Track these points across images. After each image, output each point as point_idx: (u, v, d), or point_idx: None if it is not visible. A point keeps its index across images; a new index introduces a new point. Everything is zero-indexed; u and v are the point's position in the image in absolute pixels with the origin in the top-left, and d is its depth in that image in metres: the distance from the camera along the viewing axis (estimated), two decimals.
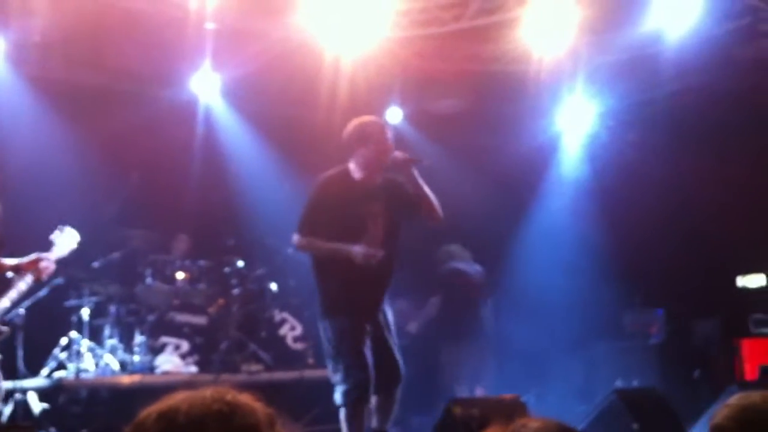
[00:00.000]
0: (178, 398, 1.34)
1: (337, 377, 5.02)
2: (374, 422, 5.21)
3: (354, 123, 5.38)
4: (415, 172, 5.27)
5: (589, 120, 9.67)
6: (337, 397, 5.01)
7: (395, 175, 5.35)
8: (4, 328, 4.78)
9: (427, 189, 5.29)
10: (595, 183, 9.50)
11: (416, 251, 9.79)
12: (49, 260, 4.91)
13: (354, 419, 4.98)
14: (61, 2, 7.14)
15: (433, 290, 8.46)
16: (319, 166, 9.24)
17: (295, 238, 5.27)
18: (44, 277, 4.94)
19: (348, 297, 5.09)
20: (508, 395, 6.71)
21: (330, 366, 5.12)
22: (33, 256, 4.88)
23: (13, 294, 4.83)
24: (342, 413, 5.01)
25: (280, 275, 8.89)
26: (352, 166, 5.33)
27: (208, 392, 1.36)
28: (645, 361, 8.72)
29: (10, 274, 4.88)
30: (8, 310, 4.86)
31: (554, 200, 9.66)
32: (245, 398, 1.37)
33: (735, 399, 1.97)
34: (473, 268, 8.49)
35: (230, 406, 1.32)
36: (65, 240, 5.14)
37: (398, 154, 5.26)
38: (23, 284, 4.84)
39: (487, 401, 6.08)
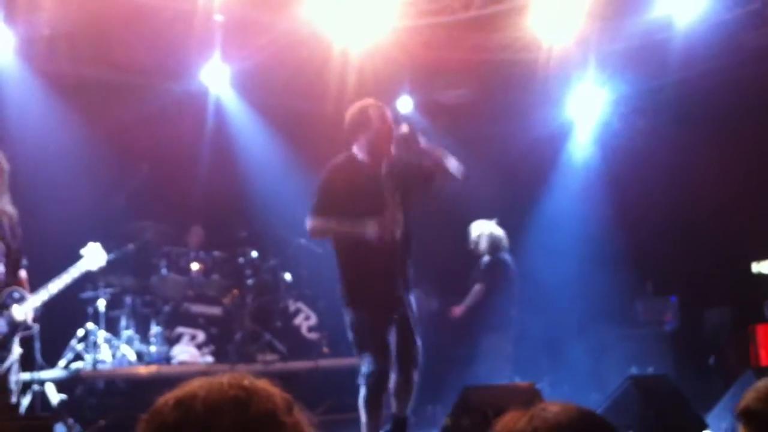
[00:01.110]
0: (195, 385, 1.34)
1: (362, 362, 5.06)
2: (393, 407, 5.26)
3: (353, 109, 5.35)
4: (423, 140, 5.22)
5: (600, 108, 9.64)
6: (361, 379, 5.06)
7: (402, 153, 5.30)
8: (35, 326, 4.97)
9: (441, 150, 5.20)
10: (607, 171, 9.47)
11: (428, 238, 9.84)
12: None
13: (373, 403, 5.03)
14: None
15: (476, 278, 8.31)
16: (329, 157, 9.34)
17: (308, 221, 5.18)
18: None
19: (371, 287, 5.05)
20: (523, 383, 6.75)
21: (355, 351, 5.16)
22: None
23: (44, 295, 5.22)
24: (362, 395, 5.05)
25: (293, 265, 8.92)
26: (357, 151, 5.29)
27: (225, 378, 1.35)
28: (658, 349, 8.72)
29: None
30: (39, 309, 5.20)
31: (565, 188, 9.64)
32: (262, 384, 1.36)
33: (762, 383, 1.98)
34: (511, 259, 8.40)
35: (247, 392, 1.31)
36: (93, 255, 5.51)
37: (403, 127, 5.22)
38: (54, 286, 5.30)
39: (502, 389, 6.09)
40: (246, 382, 1.34)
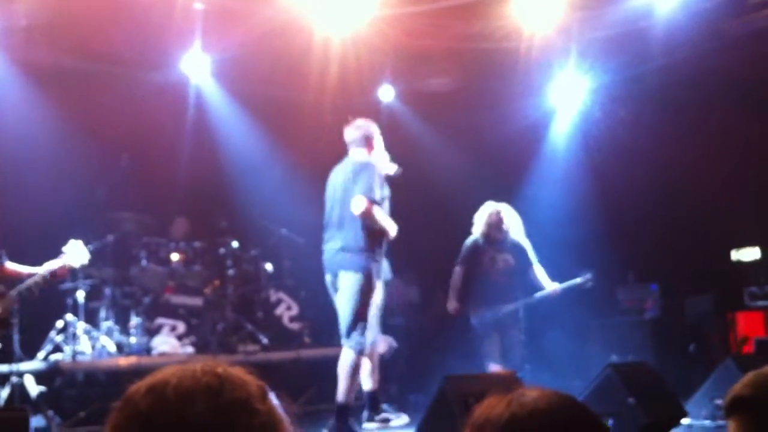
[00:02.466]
0: (167, 372, 1.32)
1: (355, 329, 5.83)
2: (369, 385, 6.12)
3: (361, 123, 6.27)
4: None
5: (581, 96, 9.65)
6: (352, 344, 5.82)
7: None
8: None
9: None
10: (588, 159, 9.50)
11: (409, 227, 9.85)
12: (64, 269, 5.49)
13: (358, 369, 5.87)
14: None
15: None
16: (309, 146, 9.34)
17: (366, 204, 5.78)
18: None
19: (379, 269, 5.97)
20: (503, 371, 6.77)
21: (350, 317, 5.84)
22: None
23: (22, 287, 5.41)
24: (350, 360, 5.81)
25: (274, 256, 8.89)
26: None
27: (198, 366, 1.33)
28: (639, 337, 8.76)
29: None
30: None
31: (547, 177, 9.65)
32: (236, 371, 1.34)
33: (749, 374, 1.98)
34: None
35: (220, 379, 1.30)
36: (76, 253, 5.51)
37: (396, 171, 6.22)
38: (34, 284, 5.42)
39: (483, 377, 6.11)
40: (219, 370, 1.32)
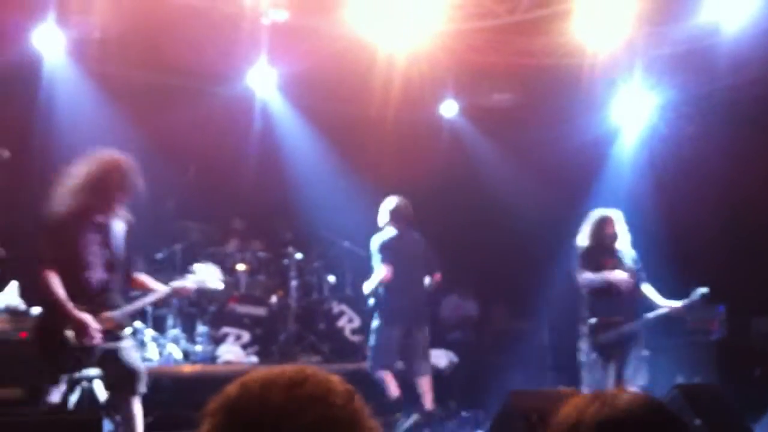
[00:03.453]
0: (261, 370, 1.46)
1: None
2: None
3: None
4: None
5: (647, 113, 9.53)
6: None
7: None
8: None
9: None
10: (654, 176, 9.36)
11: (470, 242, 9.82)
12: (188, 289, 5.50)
13: None
14: (119, 0, 7.29)
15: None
16: (373, 160, 9.41)
17: None
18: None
19: None
20: (566, 388, 6.69)
21: None
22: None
23: (139, 303, 5.38)
24: None
25: (337, 268, 8.96)
26: None
27: (291, 366, 1.46)
28: (705, 358, 8.59)
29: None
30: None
31: (612, 193, 9.54)
32: (326, 374, 1.44)
33: None
34: None
35: (304, 375, 1.41)
36: (206, 275, 5.50)
37: None
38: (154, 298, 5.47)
39: (545, 394, 6.06)
40: (308, 370, 1.44)
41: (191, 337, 7.88)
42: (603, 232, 6.87)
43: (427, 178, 9.56)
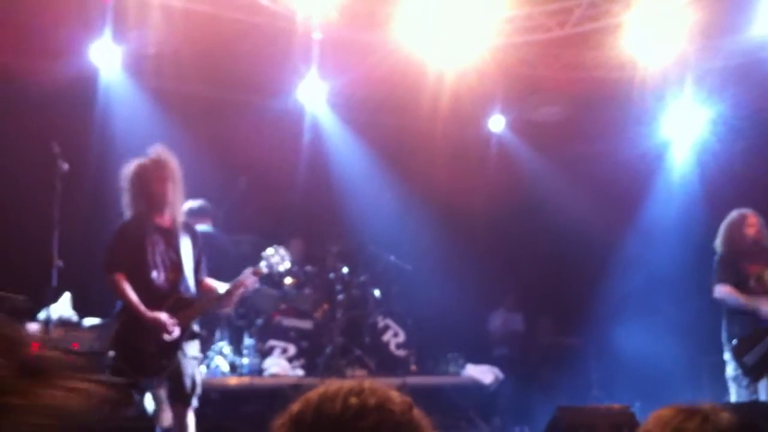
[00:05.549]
0: (325, 384, 1.53)
1: None
2: None
3: None
4: None
5: (698, 127, 9.42)
6: None
7: None
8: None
9: None
10: (705, 191, 9.23)
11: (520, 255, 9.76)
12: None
13: None
14: (173, 16, 7.44)
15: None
16: (421, 175, 9.43)
17: None
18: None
19: None
20: (616, 405, 6.62)
21: None
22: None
23: (204, 302, 5.44)
24: None
25: (382, 282, 8.98)
26: None
27: (352, 380, 1.51)
28: None
29: None
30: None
31: (661, 208, 9.43)
32: (385, 387, 1.51)
33: None
34: None
35: (362, 387, 1.47)
36: (276, 257, 5.59)
37: None
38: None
39: (595, 410, 6.02)
40: (367, 383, 1.50)
41: (238, 350, 7.95)
42: (741, 233, 6.15)
43: (475, 193, 9.56)
